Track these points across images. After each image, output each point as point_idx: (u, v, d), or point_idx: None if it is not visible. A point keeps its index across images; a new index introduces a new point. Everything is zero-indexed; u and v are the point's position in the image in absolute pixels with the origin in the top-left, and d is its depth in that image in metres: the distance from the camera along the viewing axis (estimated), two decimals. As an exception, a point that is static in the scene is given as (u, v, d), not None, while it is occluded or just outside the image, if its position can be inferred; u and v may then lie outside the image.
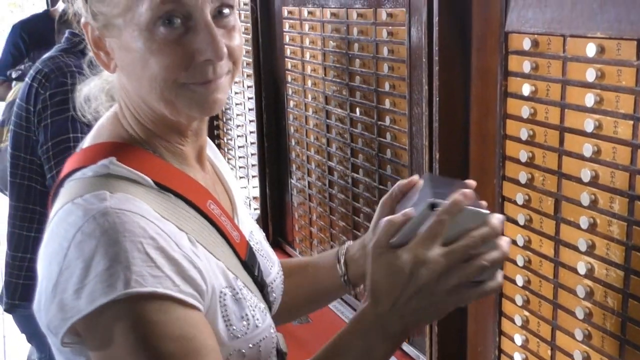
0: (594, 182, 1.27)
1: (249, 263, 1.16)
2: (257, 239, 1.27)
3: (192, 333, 0.96)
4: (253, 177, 3.00)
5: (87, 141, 1.13)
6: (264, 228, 2.89)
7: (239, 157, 3.16)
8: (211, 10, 1.03)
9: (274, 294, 1.25)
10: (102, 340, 0.95)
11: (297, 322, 2.21)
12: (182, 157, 1.14)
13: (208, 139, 1.34)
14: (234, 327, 1.06)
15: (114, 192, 0.99)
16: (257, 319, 1.11)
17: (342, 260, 1.37)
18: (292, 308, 1.36)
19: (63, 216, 1.00)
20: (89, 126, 2.25)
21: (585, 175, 1.27)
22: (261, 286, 1.18)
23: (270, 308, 1.21)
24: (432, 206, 1.07)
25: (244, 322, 1.08)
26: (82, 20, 1.07)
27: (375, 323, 1.03)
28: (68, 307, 0.94)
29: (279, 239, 2.88)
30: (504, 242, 1.04)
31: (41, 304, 1.00)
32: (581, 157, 1.29)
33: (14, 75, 3.56)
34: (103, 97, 1.17)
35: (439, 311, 1.04)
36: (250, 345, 1.09)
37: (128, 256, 0.93)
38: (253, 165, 2.97)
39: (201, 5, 1.02)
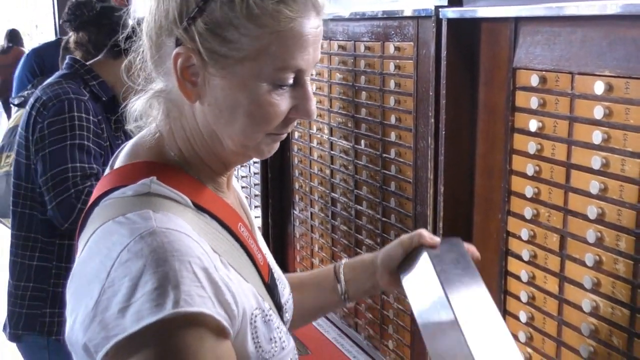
0: (600, 220, 1.26)
1: (271, 285, 1.17)
2: (270, 261, 1.26)
3: None
4: (256, 207, 3.00)
5: (122, 160, 1.12)
6: (265, 258, 2.87)
7: (242, 188, 3.16)
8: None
9: (287, 315, 1.24)
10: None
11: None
12: (218, 184, 1.15)
13: None
14: (263, 349, 1.06)
15: (157, 211, 1.00)
16: (284, 341, 1.11)
17: (341, 281, 1.40)
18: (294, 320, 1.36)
19: (104, 235, 0.99)
20: (89, 153, 2.27)
21: (592, 212, 1.27)
22: (279, 308, 1.18)
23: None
24: None
25: (273, 345, 1.08)
26: (177, 49, 1.03)
27: None
28: (111, 325, 0.93)
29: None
30: None
31: (76, 323, 0.97)
32: (588, 194, 1.29)
33: (16, 101, 3.58)
34: (154, 111, 1.14)
35: None
36: None
37: (177, 275, 0.93)
38: (256, 196, 2.96)
39: (309, 69, 1.07)
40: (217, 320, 0.96)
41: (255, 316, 1.06)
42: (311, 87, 1.10)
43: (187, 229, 0.99)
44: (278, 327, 1.11)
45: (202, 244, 0.99)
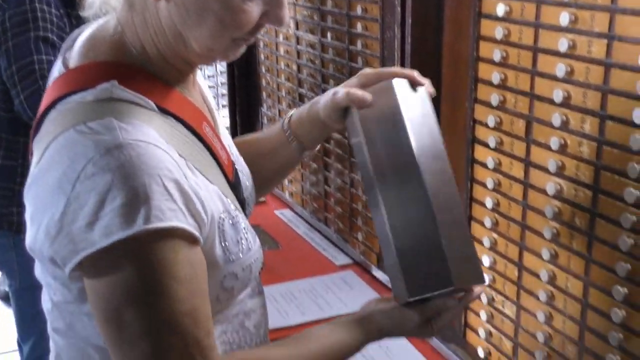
0: (566, 103, 1.26)
1: (236, 183, 1.15)
2: (234, 152, 1.25)
3: (193, 275, 0.96)
4: (223, 106, 2.96)
5: (79, 58, 1.06)
6: (234, 158, 2.87)
7: (209, 87, 3.11)
8: None
9: (249, 208, 1.24)
10: (111, 276, 0.93)
11: (266, 247, 2.22)
12: (183, 83, 1.11)
13: None
14: (230, 252, 1.06)
15: (121, 120, 0.95)
16: (250, 241, 1.10)
17: (294, 141, 1.35)
18: (258, 187, 1.34)
19: (66, 144, 0.95)
20: (53, 46, 2.20)
21: (558, 96, 1.27)
22: (242, 204, 1.17)
23: None
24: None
25: (240, 246, 1.08)
26: None
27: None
28: (78, 238, 0.91)
29: (248, 168, 2.87)
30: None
31: (40, 232, 0.96)
32: (554, 78, 1.28)
33: None
34: (114, 1, 1.08)
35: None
36: (243, 268, 1.09)
37: (147, 190, 0.90)
38: (223, 95, 2.93)
39: None
40: (189, 231, 0.95)
41: (223, 220, 1.05)
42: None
43: (154, 138, 0.96)
44: (244, 228, 1.10)
45: (170, 152, 0.96)
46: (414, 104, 1.21)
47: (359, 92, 1.21)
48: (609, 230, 1.20)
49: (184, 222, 0.94)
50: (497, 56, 1.41)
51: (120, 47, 1.05)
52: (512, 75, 1.39)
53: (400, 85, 1.21)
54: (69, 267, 0.94)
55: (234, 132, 2.86)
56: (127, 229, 0.90)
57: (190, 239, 0.96)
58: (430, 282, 1.10)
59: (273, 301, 1.89)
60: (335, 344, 1.13)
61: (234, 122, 2.85)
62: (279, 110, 2.50)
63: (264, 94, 2.62)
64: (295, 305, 1.87)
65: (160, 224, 0.91)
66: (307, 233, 2.29)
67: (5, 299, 3.86)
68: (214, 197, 1.04)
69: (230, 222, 1.07)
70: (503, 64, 1.41)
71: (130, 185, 0.90)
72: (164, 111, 1.03)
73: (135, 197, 0.90)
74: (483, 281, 1.15)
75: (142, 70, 1.05)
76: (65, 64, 1.08)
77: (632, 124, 1.13)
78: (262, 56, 2.59)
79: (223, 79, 2.88)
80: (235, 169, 1.19)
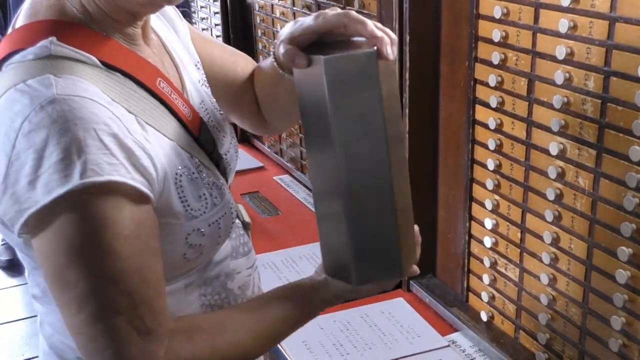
0: (569, 60, 1.22)
1: (203, 139, 1.12)
2: (208, 108, 1.21)
3: (139, 233, 0.95)
4: (219, 71, 2.92)
5: (21, 19, 1.04)
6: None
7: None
8: None
9: (229, 166, 1.21)
10: (52, 233, 0.91)
11: (266, 215, 2.20)
12: (131, 38, 1.08)
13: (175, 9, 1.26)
14: (192, 207, 1.04)
15: (59, 76, 0.94)
16: (215, 197, 1.08)
17: (280, 70, 1.21)
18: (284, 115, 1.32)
19: (6, 104, 0.94)
20: None
21: (560, 52, 1.23)
22: (217, 162, 1.15)
23: (226, 180, 1.18)
24: None
25: (202, 202, 1.06)
26: None
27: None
28: (22, 198, 0.91)
29: (247, 134, 2.83)
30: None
31: None
32: (557, 34, 1.24)
33: None
34: None
35: None
36: (210, 224, 1.07)
37: (82, 145, 0.89)
38: (219, 59, 2.88)
39: None
40: (133, 186, 0.93)
41: (180, 175, 1.03)
42: None
43: (92, 93, 0.93)
44: (208, 184, 1.08)
45: (111, 108, 0.94)
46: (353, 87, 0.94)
47: (296, 55, 1.03)
48: (614, 189, 1.17)
49: (126, 177, 0.92)
50: (498, 13, 1.36)
51: (59, 7, 1.03)
52: (513, 32, 1.35)
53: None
54: (17, 229, 0.94)
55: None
56: (66, 184, 0.89)
57: (136, 195, 0.94)
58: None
59: (274, 268, 1.87)
60: (297, 309, 1.11)
61: (231, 88, 2.80)
62: (276, 74, 2.45)
63: (261, 57, 2.57)
64: (296, 271, 1.85)
65: (98, 178, 0.89)
66: (307, 198, 2.27)
67: (6, 268, 3.86)
68: (169, 152, 1.02)
69: (190, 177, 1.05)
70: (504, 20, 1.36)
71: (65, 140, 0.89)
72: (110, 67, 1.01)
73: (71, 151, 0.89)
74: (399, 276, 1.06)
75: (84, 28, 1.02)
76: (13, 26, 1.06)
77: (637, 80, 1.10)
78: (257, 19, 2.54)
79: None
80: (204, 125, 1.15)
